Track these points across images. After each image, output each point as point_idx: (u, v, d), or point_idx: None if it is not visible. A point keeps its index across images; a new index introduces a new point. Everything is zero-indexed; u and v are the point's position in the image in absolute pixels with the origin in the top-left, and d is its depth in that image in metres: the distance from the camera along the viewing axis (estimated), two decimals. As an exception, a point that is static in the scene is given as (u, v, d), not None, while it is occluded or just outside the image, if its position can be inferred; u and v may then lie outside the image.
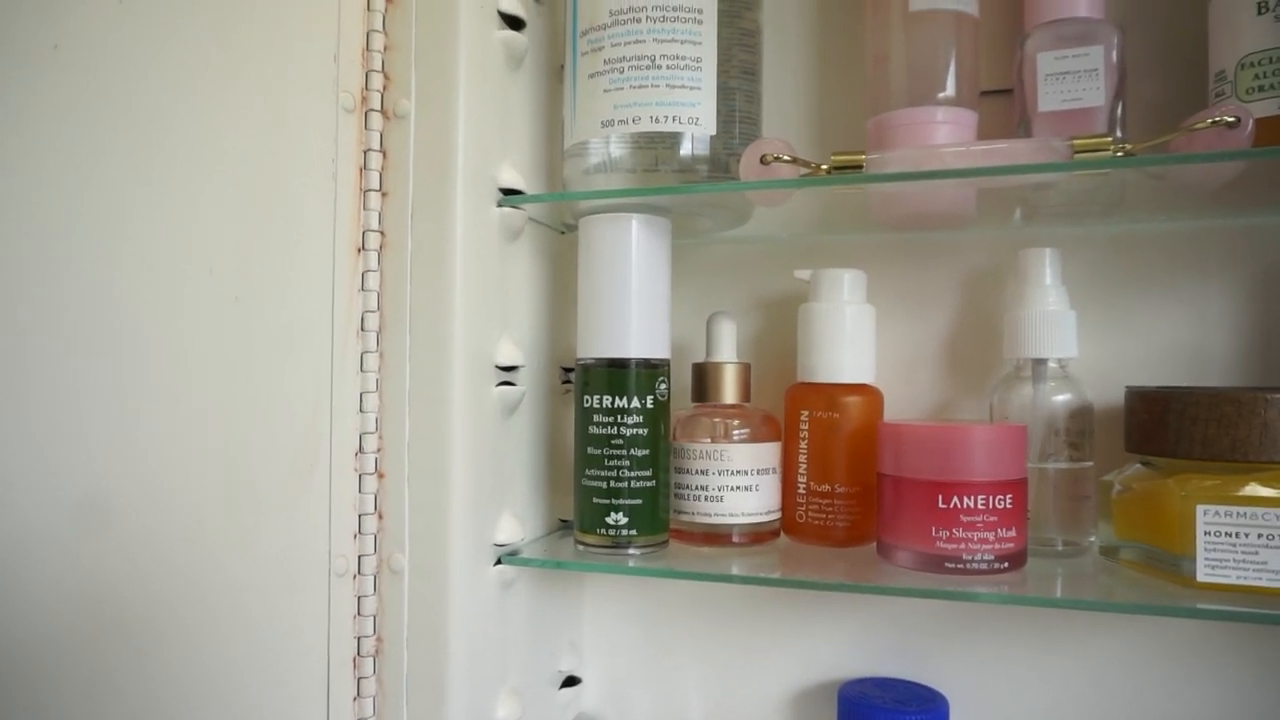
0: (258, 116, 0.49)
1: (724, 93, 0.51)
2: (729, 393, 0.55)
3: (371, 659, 0.48)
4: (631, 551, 0.51)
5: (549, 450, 0.58)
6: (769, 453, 0.54)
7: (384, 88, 0.49)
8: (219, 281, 0.49)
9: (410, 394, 0.48)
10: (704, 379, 0.56)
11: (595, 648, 0.65)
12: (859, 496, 0.53)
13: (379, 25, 0.49)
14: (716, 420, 0.54)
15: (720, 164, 0.51)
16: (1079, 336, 0.52)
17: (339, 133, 0.48)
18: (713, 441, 0.53)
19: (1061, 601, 0.45)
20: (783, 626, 0.61)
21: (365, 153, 0.49)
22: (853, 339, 0.54)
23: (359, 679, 0.48)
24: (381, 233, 0.49)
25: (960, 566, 0.46)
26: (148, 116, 0.51)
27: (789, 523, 0.55)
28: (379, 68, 0.49)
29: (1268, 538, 0.42)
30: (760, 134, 0.54)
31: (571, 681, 0.62)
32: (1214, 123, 0.42)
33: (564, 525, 0.60)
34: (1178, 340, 0.54)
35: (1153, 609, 0.43)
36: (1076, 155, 0.44)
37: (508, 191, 0.52)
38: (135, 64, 0.51)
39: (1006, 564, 0.46)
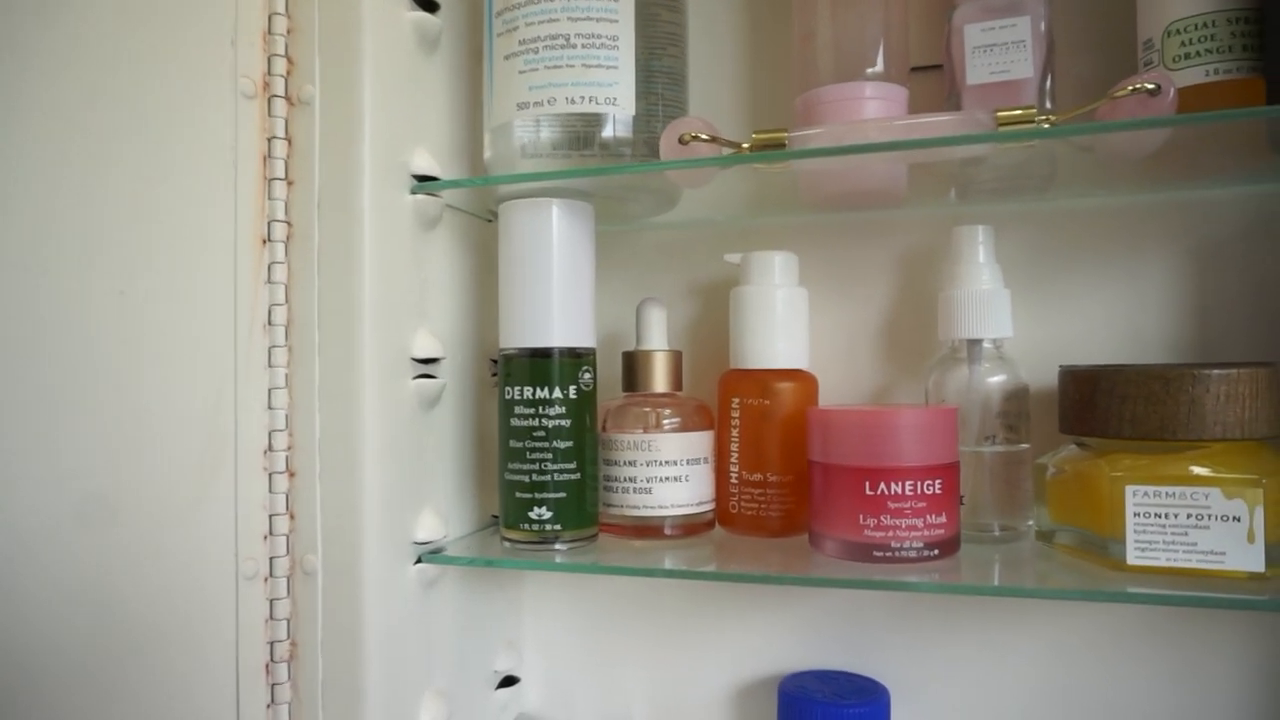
0: (146, 102, 0.47)
1: (646, 74, 0.50)
2: (659, 381, 0.54)
3: (286, 664, 0.47)
4: (558, 547, 0.50)
5: (478, 445, 0.56)
6: (700, 442, 0.52)
7: (287, 73, 0.47)
8: (102, 274, 0.47)
9: (320, 389, 0.47)
10: (634, 368, 0.54)
11: (536, 646, 0.63)
12: (792, 486, 0.51)
13: (281, 8, 0.47)
14: (647, 410, 0.53)
15: (644, 146, 0.50)
16: (1015, 316, 0.51)
17: (238, 119, 0.46)
18: (645, 432, 0.52)
19: (985, 589, 0.44)
20: (725, 620, 0.60)
21: (269, 140, 0.47)
22: (785, 323, 0.53)
23: (273, 685, 0.46)
24: (288, 223, 0.47)
25: (888, 555, 0.45)
26: (30, 101, 0.49)
27: (723, 514, 0.53)
28: (282, 52, 0.47)
29: (1197, 518, 0.41)
30: (686, 115, 0.52)
31: (510, 681, 0.60)
32: (1134, 90, 0.40)
33: (496, 522, 0.58)
34: (1115, 318, 0.52)
35: (1080, 594, 0.41)
36: (1000, 127, 0.43)
37: (422, 178, 0.50)
38: (15, 50, 0.49)
39: (937, 551, 0.45)
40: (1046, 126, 0.42)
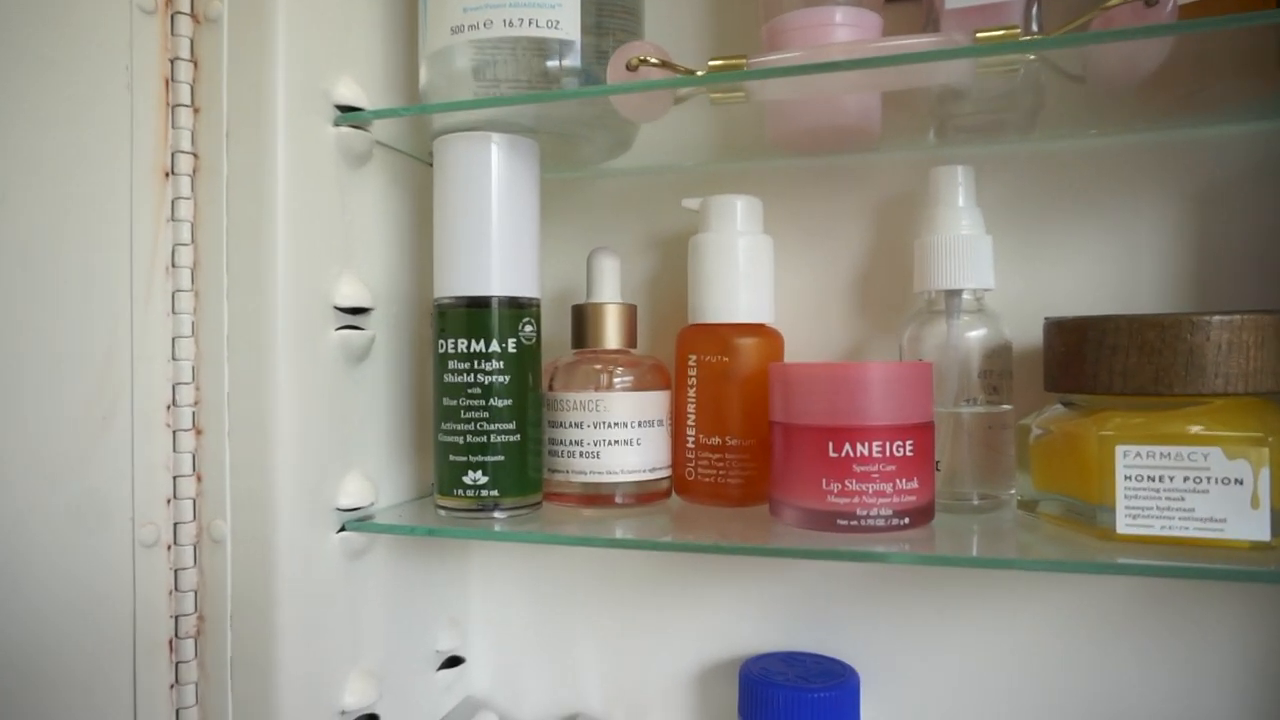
0: (24, 14, 0.42)
1: (597, 4, 0.45)
2: (611, 337, 0.49)
3: (192, 640, 0.42)
4: (497, 514, 0.45)
5: (417, 406, 0.52)
6: (653, 403, 0.48)
7: (193, -14, 0.43)
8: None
9: (230, 339, 0.42)
10: (583, 322, 0.50)
11: (484, 624, 0.59)
12: (754, 450, 0.47)
13: (185, -86, 0.42)
14: (598, 368, 0.48)
15: (593, 79, 0.45)
16: (997, 266, 0.46)
17: (134, 37, 0.41)
18: (596, 391, 0.48)
19: (960, 560, 0.40)
20: (684, 597, 0.55)
21: (172, 62, 0.42)
22: (747, 274, 0.48)
23: (177, 663, 0.42)
24: (194, 154, 0.43)
25: (853, 523, 0.40)
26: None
27: (680, 481, 0.49)
28: (187, -37, 0.42)
29: (1195, 481, 0.37)
30: (639, 44, 0.48)
31: (455, 662, 0.56)
32: (1129, -1, 0.36)
33: (438, 489, 0.54)
34: (1106, 269, 0.48)
35: (1064, 565, 0.37)
36: (980, 49, 0.39)
37: (347, 109, 0.46)
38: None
39: (907, 519, 0.41)
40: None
